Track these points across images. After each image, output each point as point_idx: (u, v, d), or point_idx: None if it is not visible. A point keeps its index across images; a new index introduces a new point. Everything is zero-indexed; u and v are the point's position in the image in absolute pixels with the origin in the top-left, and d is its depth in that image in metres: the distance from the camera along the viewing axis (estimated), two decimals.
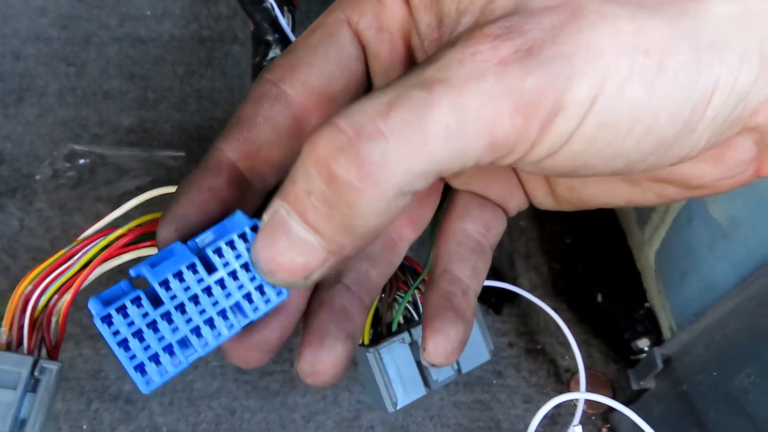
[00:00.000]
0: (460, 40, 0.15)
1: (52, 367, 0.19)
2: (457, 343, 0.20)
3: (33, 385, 0.19)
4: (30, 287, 0.19)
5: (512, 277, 0.60)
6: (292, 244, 0.16)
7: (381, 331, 0.25)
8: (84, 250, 0.19)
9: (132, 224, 0.19)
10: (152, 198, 0.21)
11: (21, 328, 0.19)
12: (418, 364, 0.24)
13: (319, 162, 0.15)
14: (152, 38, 0.69)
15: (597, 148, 0.16)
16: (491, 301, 0.58)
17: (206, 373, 0.55)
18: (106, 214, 0.23)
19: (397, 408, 0.24)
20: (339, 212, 0.15)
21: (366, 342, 0.24)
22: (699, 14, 0.15)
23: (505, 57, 0.14)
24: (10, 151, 0.63)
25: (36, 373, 0.19)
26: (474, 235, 0.22)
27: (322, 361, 0.19)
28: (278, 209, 0.16)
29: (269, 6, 0.50)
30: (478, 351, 0.25)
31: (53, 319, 0.19)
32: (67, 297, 0.19)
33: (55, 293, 0.19)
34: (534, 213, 0.63)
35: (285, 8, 0.51)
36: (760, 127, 0.17)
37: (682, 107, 0.15)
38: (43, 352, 0.20)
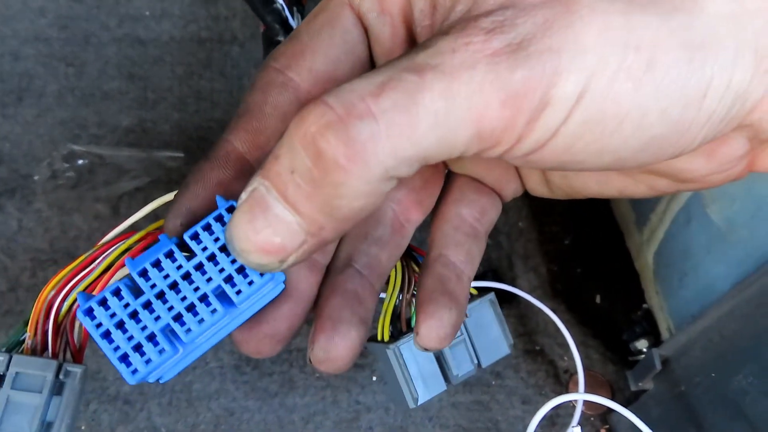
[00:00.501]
0: (454, 30, 0.15)
1: (77, 370, 0.19)
2: (450, 327, 0.20)
3: (58, 388, 0.19)
4: (53, 292, 0.19)
5: (511, 278, 0.60)
6: (270, 222, 0.16)
7: (400, 327, 0.25)
8: (105, 254, 0.19)
9: (151, 227, 0.19)
10: (170, 202, 0.21)
11: (45, 333, 0.19)
12: (438, 359, 0.24)
13: (306, 138, 0.15)
14: (151, 39, 0.69)
15: (583, 144, 0.16)
16: None
17: (205, 374, 0.55)
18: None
19: (418, 404, 0.24)
20: (323, 191, 0.15)
21: (386, 338, 0.24)
22: (693, 12, 0.15)
23: (496, 50, 0.14)
24: (8, 151, 0.63)
25: (61, 377, 0.19)
26: (469, 220, 0.22)
27: (337, 347, 0.19)
28: (257, 187, 0.16)
29: (279, 7, 0.50)
30: (498, 345, 0.25)
31: (77, 323, 0.19)
32: None
33: None
34: (533, 214, 0.64)
35: (294, 9, 0.51)
36: (755, 124, 0.17)
37: (673, 105, 0.15)
38: (68, 356, 0.20)
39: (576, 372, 0.52)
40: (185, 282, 0.18)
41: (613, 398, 0.50)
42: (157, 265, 0.17)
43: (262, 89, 0.20)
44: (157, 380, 0.18)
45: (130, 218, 0.20)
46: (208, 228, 0.18)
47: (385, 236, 0.22)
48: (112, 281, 0.19)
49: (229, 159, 0.19)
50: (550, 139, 0.15)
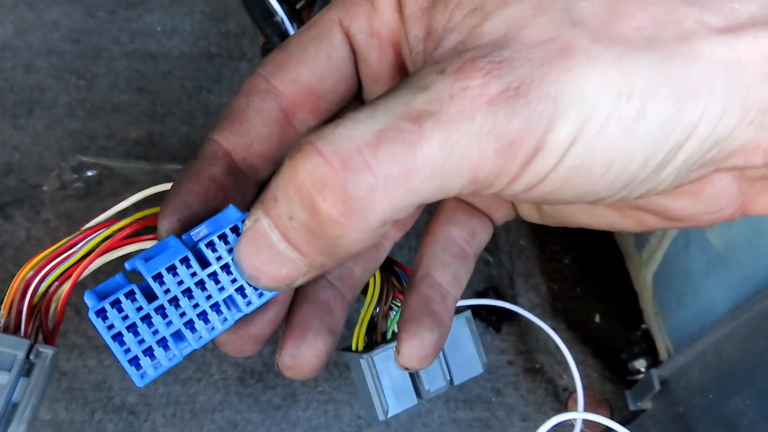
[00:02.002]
0: (450, 69, 0.15)
1: (48, 351, 0.19)
2: (431, 348, 0.20)
3: (27, 370, 0.19)
4: (31, 273, 0.19)
5: (512, 296, 0.61)
6: (274, 257, 0.16)
7: (375, 339, 0.25)
8: (86, 240, 0.19)
9: (133, 217, 0.19)
10: (157, 192, 0.21)
11: (19, 313, 0.19)
12: (411, 373, 0.24)
13: (302, 192, 0.15)
14: (162, 54, 0.71)
15: (571, 186, 0.16)
16: (491, 319, 0.59)
17: (209, 386, 0.55)
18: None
19: (388, 416, 0.24)
20: (321, 240, 0.15)
21: (360, 348, 0.24)
22: (688, 57, 0.15)
23: (493, 96, 0.14)
24: (18, 161, 0.64)
25: (32, 357, 0.19)
26: (458, 241, 0.23)
27: (303, 354, 0.20)
28: (260, 218, 0.16)
29: (279, 20, 0.52)
30: (472, 364, 0.25)
31: (52, 306, 0.19)
32: (67, 285, 0.19)
33: (55, 280, 0.19)
34: (534, 233, 0.64)
35: (294, 24, 0.52)
36: (739, 167, 0.17)
37: (657, 151, 0.15)
38: (40, 338, 0.20)
39: (575, 390, 0.53)
40: (198, 288, 0.18)
41: (611, 417, 0.51)
42: (172, 270, 0.18)
43: (246, 94, 0.20)
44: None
45: (116, 206, 0.20)
46: (223, 238, 0.18)
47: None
48: (91, 267, 0.19)
49: (217, 156, 0.20)
50: (540, 182, 0.16)
